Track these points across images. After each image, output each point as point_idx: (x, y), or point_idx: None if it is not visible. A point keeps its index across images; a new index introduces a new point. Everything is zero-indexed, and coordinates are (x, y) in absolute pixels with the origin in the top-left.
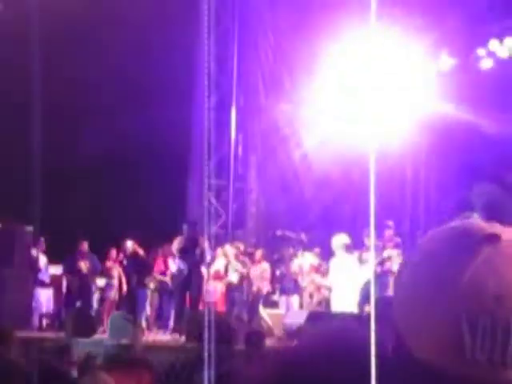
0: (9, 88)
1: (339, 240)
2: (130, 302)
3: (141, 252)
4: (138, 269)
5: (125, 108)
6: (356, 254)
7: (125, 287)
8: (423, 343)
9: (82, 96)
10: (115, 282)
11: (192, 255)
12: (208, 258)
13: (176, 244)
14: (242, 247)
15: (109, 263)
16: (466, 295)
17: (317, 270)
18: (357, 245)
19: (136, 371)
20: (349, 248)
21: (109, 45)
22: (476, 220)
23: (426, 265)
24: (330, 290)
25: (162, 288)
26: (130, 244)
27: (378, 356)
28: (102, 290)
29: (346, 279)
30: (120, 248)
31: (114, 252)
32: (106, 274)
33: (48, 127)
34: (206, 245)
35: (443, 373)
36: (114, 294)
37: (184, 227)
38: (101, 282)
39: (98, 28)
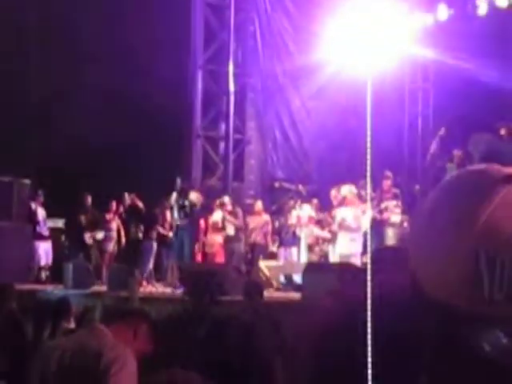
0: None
1: (340, 191)
2: (133, 254)
3: (140, 204)
4: (141, 221)
5: (124, 63)
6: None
7: (123, 239)
8: (441, 282)
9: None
10: (114, 234)
11: (183, 209)
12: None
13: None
14: (229, 201)
15: (108, 215)
16: (484, 233)
17: (316, 221)
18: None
19: (133, 322)
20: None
21: None
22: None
23: (446, 203)
24: (328, 241)
25: (161, 241)
26: (127, 196)
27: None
28: (100, 243)
29: (345, 230)
30: (120, 201)
31: (113, 204)
32: (105, 226)
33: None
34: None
35: (460, 311)
36: (112, 247)
37: (177, 180)
38: (99, 234)
39: None
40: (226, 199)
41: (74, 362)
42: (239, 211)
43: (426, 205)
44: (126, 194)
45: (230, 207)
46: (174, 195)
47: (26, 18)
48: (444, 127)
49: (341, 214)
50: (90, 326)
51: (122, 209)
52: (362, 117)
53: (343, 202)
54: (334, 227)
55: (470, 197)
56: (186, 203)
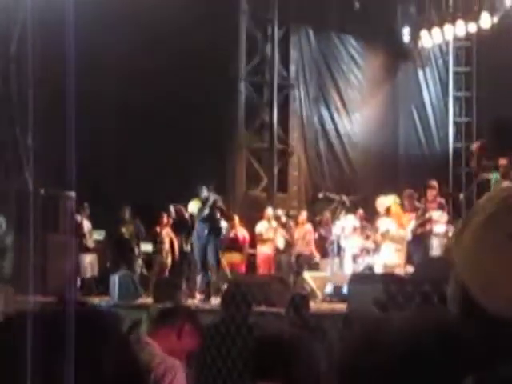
0: None
1: (384, 202)
2: (181, 267)
3: (187, 216)
4: (188, 233)
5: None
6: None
7: (176, 252)
8: (498, 299)
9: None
10: (166, 246)
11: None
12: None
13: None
14: (282, 213)
15: (158, 227)
16: None
17: (360, 232)
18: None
19: (176, 323)
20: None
21: None
22: None
23: (503, 218)
24: (373, 251)
25: None
26: (172, 208)
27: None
28: (150, 255)
29: (389, 240)
30: (169, 213)
31: (164, 216)
32: (155, 238)
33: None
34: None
35: None
36: (164, 259)
37: (202, 189)
38: (146, 246)
39: None
40: (280, 212)
41: None
42: (291, 223)
43: (476, 217)
44: (172, 207)
45: (283, 218)
46: (198, 204)
47: None
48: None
49: (385, 224)
50: (137, 339)
51: (171, 220)
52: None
53: (387, 213)
54: (378, 238)
55: None
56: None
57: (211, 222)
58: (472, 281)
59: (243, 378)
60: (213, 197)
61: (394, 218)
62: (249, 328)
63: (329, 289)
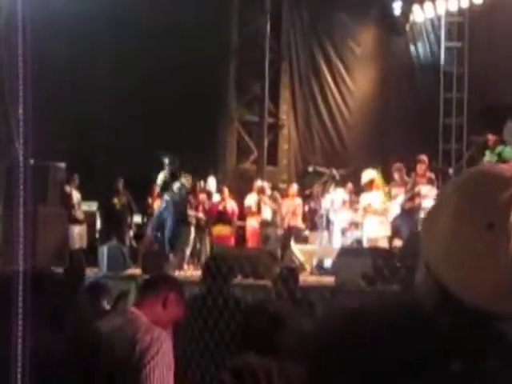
0: None
1: (368, 175)
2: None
3: None
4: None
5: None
6: (385, 188)
7: None
8: (477, 292)
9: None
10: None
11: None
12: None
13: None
14: (268, 186)
15: (150, 199)
16: None
17: (349, 205)
18: (388, 180)
19: (161, 292)
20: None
21: None
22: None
23: (469, 206)
24: (361, 225)
25: (196, 224)
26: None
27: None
28: (140, 227)
29: (375, 214)
30: None
31: (156, 188)
32: (146, 210)
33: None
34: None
35: (497, 316)
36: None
37: (164, 161)
38: (137, 218)
39: None
40: (265, 184)
41: (109, 347)
42: (278, 196)
43: (445, 208)
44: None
45: (268, 191)
46: (162, 177)
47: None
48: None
49: (367, 198)
50: (124, 309)
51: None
52: (397, 100)
53: (370, 186)
54: (360, 212)
55: (495, 196)
56: (175, 187)
57: (176, 207)
58: (447, 274)
59: (231, 350)
60: (179, 182)
61: (376, 191)
62: (229, 300)
63: (317, 262)
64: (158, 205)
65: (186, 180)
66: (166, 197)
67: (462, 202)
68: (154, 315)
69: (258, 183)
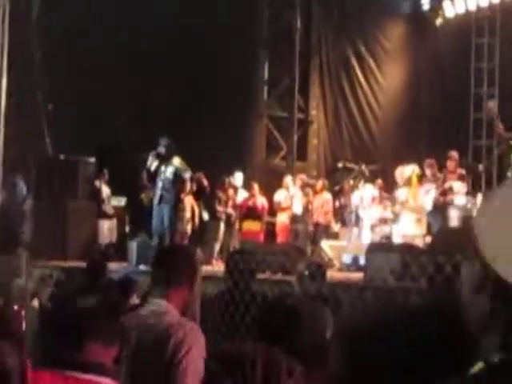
0: None
1: (404, 172)
2: (201, 234)
3: (205, 183)
4: (205, 200)
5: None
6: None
7: (197, 219)
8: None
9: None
10: (187, 214)
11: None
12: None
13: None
14: (305, 179)
15: (182, 195)
16: None
17: (378, 201)
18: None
19: (186, 283)
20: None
21: None
22: None
23: None
24: (391, 221)
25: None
26: (197, 175)
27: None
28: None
29: (409, 210)
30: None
31: (186, 183)
32: (178, 205)
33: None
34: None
35: None
36: (184, 226)
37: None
38: None
39: None
40: (304, 176)
41: (142, 341)
42: (310, 191)
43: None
44: (196, 174)
45: (307, 180)
46: (151, 160)
47: None
48: None
49: (404, 194)
50: (153, 302)
51: (194, 187)
52: (427, 96)
53: (407, 183)
54: (397, 207)
55: None
56: (168, 170)
57: (169, 192)
58: (491, 251)
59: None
60: (173, 165)
61: (414, 189)
62: (246, 294)
63: (346, 258)
64: (188, 200)
65: (180, 163)
66: (160, 184)
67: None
68: (182, 306)
69: (288, 179)
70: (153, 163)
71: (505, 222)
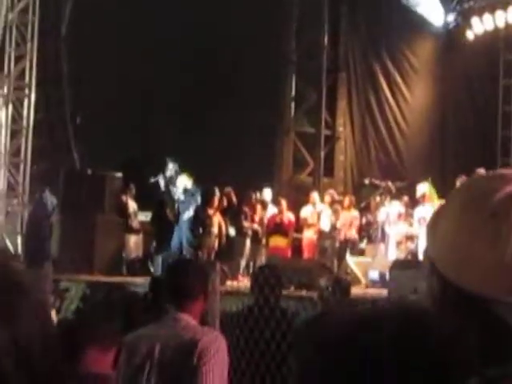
0: None
1: (421, 189)
2: (228, 250)
3: (234, 200)
4: (236, 217)
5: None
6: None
7: (224, 236)
8: (471, 277)
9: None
10: (215, 229)
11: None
12: None
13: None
14: (335, 195)
15: (210, 210)
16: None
17: (404, 218)
18: (445, 192)
19: (201, 295)
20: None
21: None
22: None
23: (461, 200)
24: (417, 238)
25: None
26: (227, 190)
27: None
28: (198, 238)
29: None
30: (221, 196)
31: (215, 199)
32: (206, 221)
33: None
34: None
35: (493, 300)
36: (212, 242)
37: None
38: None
39: None
40: (334, 192)
41: (166, 352)
42: (338, 208)
43: (450, 205)
44: (226, 189)
45: (336, 197)
46: (162, 183)
47: None
48: None
49: (420, 211)
50: (172, 315)
51: (222, 203)
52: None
53: (423, 199)
54: (415, 224)
55: (500, 190)
56: (178, 191)
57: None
58: (447, 261)
59: (277, 361)
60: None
61: (429, 205)
62: (275, 310)
63: (372, 275)
64: (216, 216)
65: (186, 181)
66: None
67: (467, 196)
68: (198, 317)
69: (315, 195)
70: (162, 185)
71: (459, 228)
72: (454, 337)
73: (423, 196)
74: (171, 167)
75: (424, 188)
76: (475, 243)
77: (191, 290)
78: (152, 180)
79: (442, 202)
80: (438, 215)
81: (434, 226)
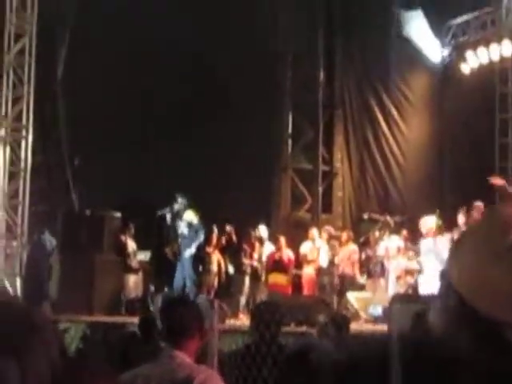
0: None
1: (427, 223)
2: (228, 288)
3: (234, 238)
4: (234, 254)
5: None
6: (448, 235)
7: (223, 273)
8: (488, 301)
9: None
10: (214, 267)
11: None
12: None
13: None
14: (332, 231)
15: (209, 248)
16: None
17: (404, 252)
18: (450, 226)
19: (197, 333)
20: (438, 230)
21: None
22: None
23: (483, 231)
24: (417, 272)
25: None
26: (228, 229)
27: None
28: (199, 275)
29: (434, 262)
30: (220, 234)
31: (214, 237)
32: (205, 259)
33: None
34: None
35: (506, 324)
36: (212, 280)
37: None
38: None
39: None
40: (331, 228)
41: None
42: (336, 244)
43: (473, 233)
44: (228, 227)
45: (333, 232)
46: (168, 216)
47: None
48: None
49: (427, 244)
50: (168, 353)
51: (223, 241)
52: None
53: (429, 233)
54: (421, 258)
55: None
56: (182, 225)
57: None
58: (466, 285)
59: None
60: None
61: (435, 238)
62: (279, 347)
63: (373, 310)
64: (215, 254)
65: (192, 217)
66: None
67: (489, 226)
68: (194, 356)
69: (314, 231)
70: (169, 219)
71: (480, 256)
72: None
73: (430, 229)
74: (180, 201)
75: (431, 221)
76: (494, 271)
77: (186, 329)
78: (159, 213)
79: (446, 235)
80: (460, 241)
81: (456, 250)
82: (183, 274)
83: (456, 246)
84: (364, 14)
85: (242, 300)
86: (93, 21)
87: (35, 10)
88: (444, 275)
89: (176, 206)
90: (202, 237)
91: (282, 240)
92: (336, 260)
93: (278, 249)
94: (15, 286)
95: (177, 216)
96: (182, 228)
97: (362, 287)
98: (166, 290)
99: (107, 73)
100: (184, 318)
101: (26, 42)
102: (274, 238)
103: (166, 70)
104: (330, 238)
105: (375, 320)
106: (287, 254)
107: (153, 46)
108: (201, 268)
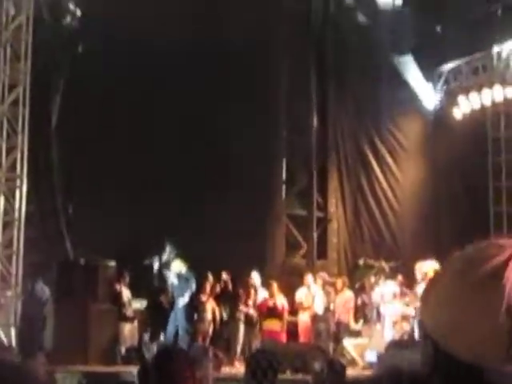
0: None
1: (422, 267)
2: (223, 336)
3: (229, 286)
4: (229, 301)
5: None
6: None
7: (218, 321)
8: (463, 344)
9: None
10: (208, 315)
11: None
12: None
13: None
14: (326, 277)
15: (203, 296)
16: (504, 297)
17: (400, 297)
18: None
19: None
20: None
21: None
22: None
23: (456, 267)
24: (412, 318)
25: (246, 321)
26: (224, 277)
27: None
28: (193, 324)
29: None
30: (215, 281)
31: (208, 286)
32: (199, 307)
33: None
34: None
35: (484, 369)
36: (206, 328)
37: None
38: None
39: None
40: (325, 275)
41: None
42: (331, 291)
43: (440, 280)
44: (224, 275)
45: (327, 278)
46: (155, 265)
47: None
48: None
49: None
50: None
51: (216, 289)
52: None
53: (426, 278)
54: (418, 303)
55: (491, 259)
56: (171, 276)
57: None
58: (438, 328)
59: None
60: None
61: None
62: None
63: (370, 356)
64: (210, 302)
65: (179, 267)
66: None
67: (458, 264)
68: None
69: (309, 278)
70: (155, 268)
71: (454, 293)
72: None
73: (426, 275)
74: (168, 251)
75: (426, 267)
76: (467, 311)
77: (179, 378)
78: (147, 262)
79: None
80: (432, 283)
81: (427, 293)
82: (176, 324)
83: (428, 287)
84: (356, 60)
85: (238, 348)
86: (87, 69)
87: (29, 60)
88: (420, 323)
89: (164, 256)
90: (193, 286)
91: (275, 286)
92: (332, 307)
93: (271, 295)
94: (10, 337)
95: (165, 266)
96: (172, 278)
97: (357, 334)
98: (161, 338)
99: (101, 121)
100: (176, 366)
101: (19, 91)
102: (267, 285)
103: (161, 123)
104: (325, 284)
105: (371, 366)
106: (281, 300)
107: (148, 95)
108: (195, 316)
